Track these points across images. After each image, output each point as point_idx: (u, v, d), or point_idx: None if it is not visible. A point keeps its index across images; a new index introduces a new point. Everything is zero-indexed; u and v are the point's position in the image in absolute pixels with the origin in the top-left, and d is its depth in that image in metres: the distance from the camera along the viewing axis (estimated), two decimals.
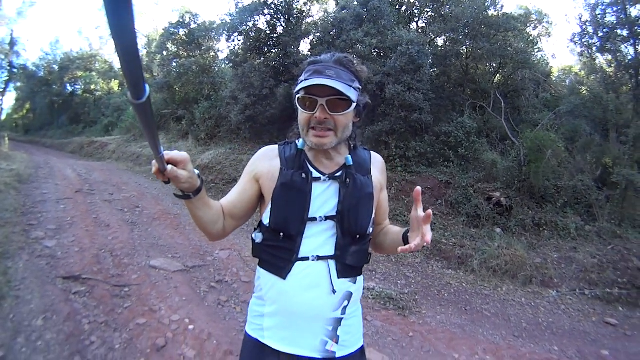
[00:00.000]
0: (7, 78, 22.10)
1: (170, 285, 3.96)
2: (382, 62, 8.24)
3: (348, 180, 1.24)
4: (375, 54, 8.42)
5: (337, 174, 1.25)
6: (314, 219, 1.22)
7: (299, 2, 11.26)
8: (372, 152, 1.43)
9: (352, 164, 1.28)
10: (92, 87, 26.27)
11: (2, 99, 22.30)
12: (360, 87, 1.25)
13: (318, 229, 1.22)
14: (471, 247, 5.58)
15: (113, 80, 26.69)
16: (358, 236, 1.26)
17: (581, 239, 5.71)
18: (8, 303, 3.26)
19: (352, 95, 1.17)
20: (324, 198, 1.23)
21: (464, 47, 9.22)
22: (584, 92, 9.00)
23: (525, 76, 9.16)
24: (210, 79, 13.81)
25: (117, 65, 27.65)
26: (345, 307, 1.23)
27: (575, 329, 3.97)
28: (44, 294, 3.51)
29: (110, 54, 27.94)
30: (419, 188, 1.11)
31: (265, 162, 1.30)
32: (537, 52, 10.17)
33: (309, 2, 11.68)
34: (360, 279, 1.30)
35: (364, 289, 4.24)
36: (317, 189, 1.23)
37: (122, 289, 3.78)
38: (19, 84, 28.42)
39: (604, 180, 6.58)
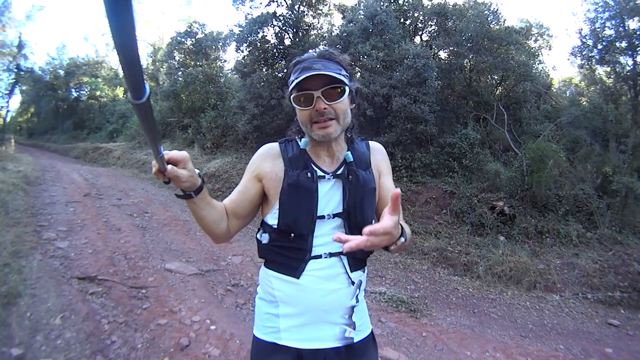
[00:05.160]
0: (14, 80, 22.03)
1: (188, 287, 4.04)
2: (388, 74, 8.35)
3: (351, 177, 1.26)
4: (381, 66, 8.54)
5: (340, 172, 1.28)
6: (323, 217, 1.24)
7: (307, 14, 11.48)
8: (370, 142, 1.44)
9: (352, 159, 1.29)
10: (97, 93, 26.31)
11: (8, 102, 22.32)
12: (348, 75, 1.26)
13: (327, 227, 1.24)
14: (476, 254, 5.69)
15: (118, 87, 26.72)
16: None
17: (583, 245, 5.82)
18: (24, 301, 3.29)
19: (344, 80, 1.20)
20: (330, 196, 1.25)
21: (467, 61, 9.38)
22: (584, 103, 9.16)
23: (527, 88, 9.29)
24: (216, 89, 13.87)
25: (122, 72, 27.86)
26: (357, 295, 1.28)
27: (579, 329, 4.09)
28: (60, 293, 3.56)
29: (115, 61, 28.10)
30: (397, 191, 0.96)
31: (268, 161, 1.30)
32: (538, 64, 10.31)
33: (317, 16, 11.86)
34: (366, 267, 1.35)
35: (375, 293, 4.38)
36: (323, 187, 1.25)
37: (140, 291, 3.85)
38: (24, 87, 28.30)
39: (604, 188, 6.68)
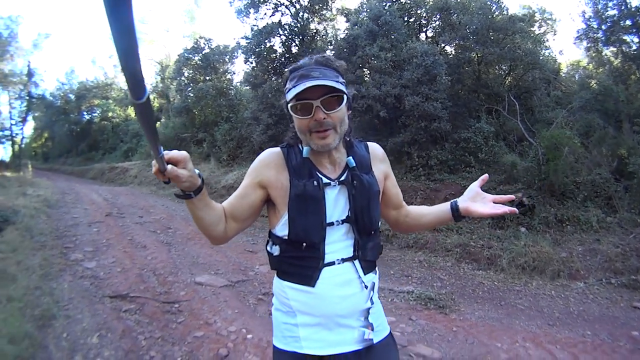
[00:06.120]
0: (26, 108, 22.81)
1: (220, 299, 4.11)
2: (398, 74, 8.37)
3: (355, 182, 1.26)
4: (390, 67, 8.53)
5: (343, 177, 1.27)
6: (332, 224, 1.24)
7: (312, 21, 11.57)
8: (369, 143, 1.44)
9: (354, 164, 1.29)
10: (110, 114, 26.85)
11: (22, 128, 23.06)
12: (344, 81, 1.26)
13: (337, 233, 1.25)
14: (498, 247, 5.69)
15: (129, 107, 27.24)
16: (372, 232, 1.31)
17: (603, 230, 5.78)
18: (59, 322, 3.36)
19: (343, 89, 1.19)
20: (337, 202, 1.25)
21: (474, 54, 9.39)
22: (593, 86, 9.04)
23: (536, 76, 9.26)
24: (228, 101, 14.06)
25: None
26: (371, 297, 1.29)
27: (605, 314, 4.09)
28: (94, 312, 3.63)
29: (125, 82, 28.67)
30: (486, 175, 1.46)
31: (271, 170, 1.29)
32: (544, 50, 10.27)
33: (321, 21, 11.95)
34: (377, 268, 1.37)
35: (403, 293, 4.43)
36: (330, 194, 1.25)
37: (173, 305, 3.90)
38: (37, 114, 28.86)
39: (620, 171, 6.60)
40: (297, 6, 11.47)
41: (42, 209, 7.86)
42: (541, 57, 9.47)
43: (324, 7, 11.66)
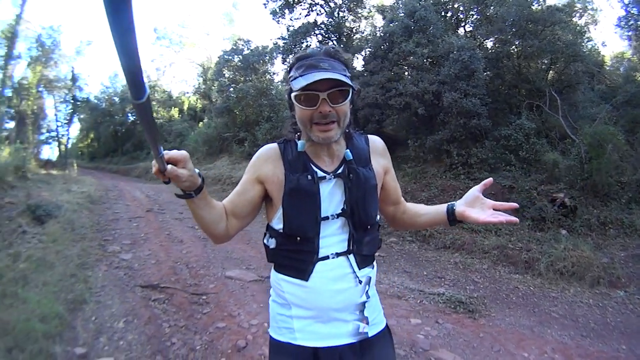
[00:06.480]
0: (72, 110, 24.29)
1: (247, 293, 4.16)
2: (436, 70, 8.24)
3: (351, 175, 1.25)
4: (427, 63, 8.41)
5: (340, 171, 1.26)
6: (327, 218, 1.23)
7: (347, 19, 11.57)
8: (370, 136, 1.41)
9: (352, 158, 1.28)
10: (153, 115, 27.69)
11: (68, 130, 24.62)
12: (350, 75, 1.23)
13: (332, 227, 1.24)
14: (537, 250, 5.46)
15: (173, 108, 28.16)
16: (369, 226, 1.29)
17: None
18: (89, 307, 3.55)
19: (350, 83, 1.17)
20: (332, 196, 1.24)
21: (513, 47, 9.07)
22: (639, 79, 8.54)
23: (578, 69, 8.74)
24: (269, 101, 14.19)
25: (175, 93, 29.34)
26: (367, 291, 1.28)
27: None
28: (124, 300, 3.80)
29: (168, 84, 29.71)
30: (490, 180, 1.30)
31: (269, 164, 1.29)
32: (586, 42, 9.77)
33: (357, 19, 11.92)
34: (374, 263, 1.35)
35: (433, 294, 4.30)
36: (325, 188, 1.24)
37: (200, 297, 3.99)
38: (82, 116, 30.47)
39: None
40: (332, 5, 11.50)
41: (84, 205, 8.18)
42: (583, 49, 8.99)
43: (359, 5, 11.62)
